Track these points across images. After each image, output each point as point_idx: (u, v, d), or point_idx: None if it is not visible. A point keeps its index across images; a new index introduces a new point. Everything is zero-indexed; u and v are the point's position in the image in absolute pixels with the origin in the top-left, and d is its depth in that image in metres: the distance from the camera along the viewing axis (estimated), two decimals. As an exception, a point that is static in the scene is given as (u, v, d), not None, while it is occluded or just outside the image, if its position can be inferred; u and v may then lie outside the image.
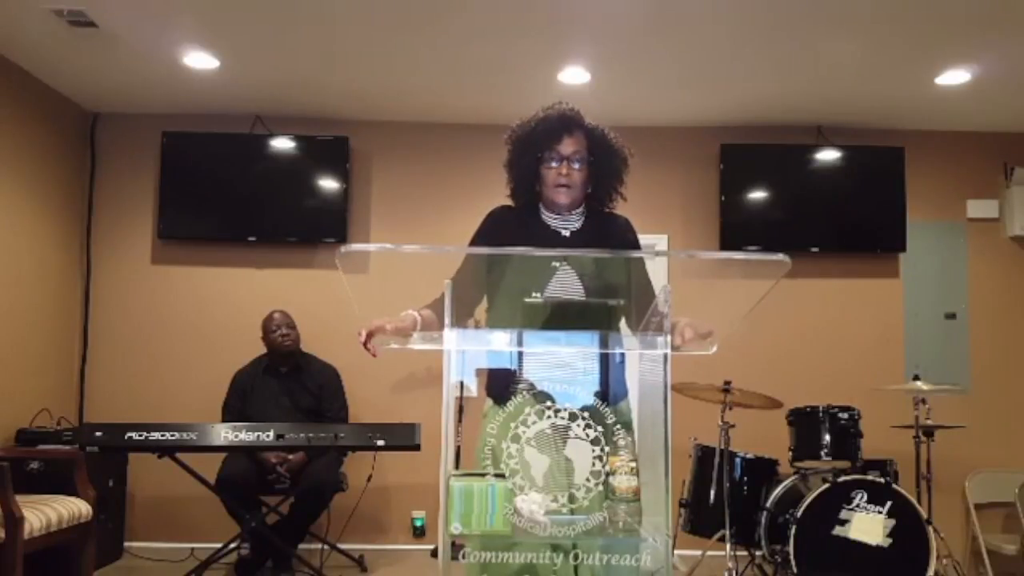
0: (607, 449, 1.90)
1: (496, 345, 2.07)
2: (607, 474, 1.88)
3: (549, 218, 2.36)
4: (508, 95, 4.82)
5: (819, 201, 5.25)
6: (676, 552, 4.42)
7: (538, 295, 2.19)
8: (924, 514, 3.94)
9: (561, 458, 1.94)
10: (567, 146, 2.28)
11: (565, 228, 2.35)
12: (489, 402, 2.25)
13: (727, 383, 4.26)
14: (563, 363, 2.08)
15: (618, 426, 1.94)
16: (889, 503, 3.92)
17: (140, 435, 3.99)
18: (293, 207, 5.21)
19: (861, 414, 4.26)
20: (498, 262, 2.30)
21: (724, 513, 4.09)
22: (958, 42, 4.15)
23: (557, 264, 2.21)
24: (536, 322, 2.21)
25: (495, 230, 2.37)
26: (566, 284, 2.21)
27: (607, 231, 2.37)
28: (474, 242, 2.39)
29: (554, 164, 2.29)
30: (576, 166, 2.29)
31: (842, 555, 3.89)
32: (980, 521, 4.97)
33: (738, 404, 4.35)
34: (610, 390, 2.06)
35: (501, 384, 2.17)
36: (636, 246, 2.44)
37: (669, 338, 1.86)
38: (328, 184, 5.23)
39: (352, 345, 2.22)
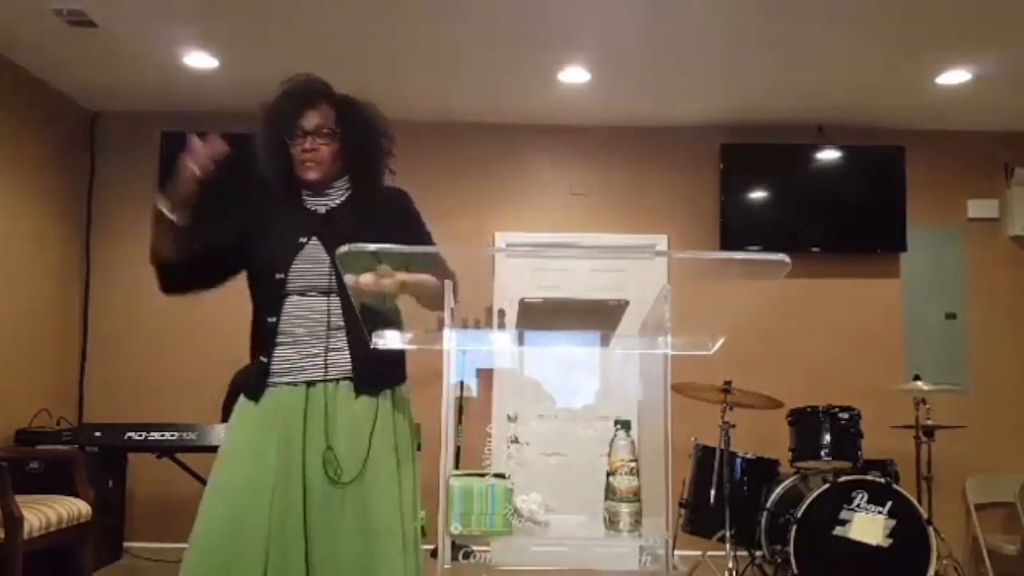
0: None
1: (497, 345, 2.07)
2: (608, 474, 1.88)
3: (307, 197, 2.22)
4: (508, 95, 4.82)
5: (819, 201, 5.25)
6: (676, 552, 4.41)
7: (282, 275, 2.12)
8: (924, 514, 3.94)
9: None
10: (310, 120, 2.18)
11: (323, 205, 2.22)
12: (241, 398, 2.26)
13: (727, 383, 4.26)
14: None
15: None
16: (889, 503, 3.92)
17: (140, 435, 4.00)
18: (293, 207, 5.20)
19: (861, 414, 4.25)
20: (251, 237, 2.22)
21: (724, 513, 4.09)
22: (958, 42, 4.15)
23: (304, 240, 2.13)
24: (280, 301, 2.16)
25: (257, 201, 2.27)
26: (314, 260, 2.12)
27: (372, 205, 2.21)
28: (237, 208, 2.28)
29: (298, 140, 2.17)
30: (321, 140, 2.17)
31: (842, 555, 3.89)
32: (980, 521, 4.97)
33: (738, 404, 4.35)
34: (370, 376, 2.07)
35: (254, 377, 2.23)
36: (408, 217, 2.30)
37: (669, 338, 1.86)
38: (328, 184, 5.21)
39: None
